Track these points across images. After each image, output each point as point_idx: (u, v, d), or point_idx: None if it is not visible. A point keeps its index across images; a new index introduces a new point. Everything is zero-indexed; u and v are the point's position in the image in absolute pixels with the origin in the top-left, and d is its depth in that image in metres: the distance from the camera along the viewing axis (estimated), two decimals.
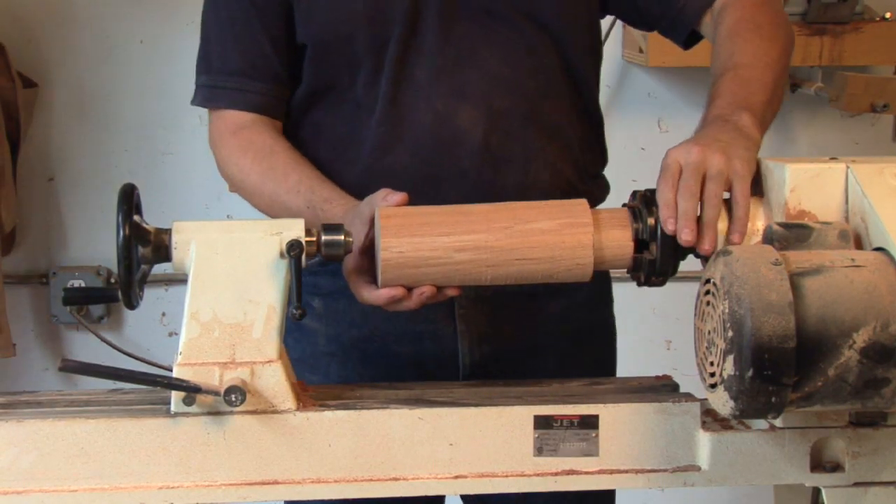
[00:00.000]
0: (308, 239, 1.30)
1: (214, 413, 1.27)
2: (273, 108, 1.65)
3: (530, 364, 1.66)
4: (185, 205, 2.84)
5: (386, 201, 1.38)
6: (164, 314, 2.94)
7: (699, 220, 1.30)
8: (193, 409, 1.26)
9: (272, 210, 1.59)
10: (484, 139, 1.58)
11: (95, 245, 2.92)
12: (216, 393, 1.24)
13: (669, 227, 1.31)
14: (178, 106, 2.85)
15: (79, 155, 2.88)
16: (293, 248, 1.27)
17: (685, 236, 1.30)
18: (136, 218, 1.29)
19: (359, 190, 1.50)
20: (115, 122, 2.87)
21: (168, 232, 1.30)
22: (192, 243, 1.29)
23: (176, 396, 1.26)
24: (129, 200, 1.29)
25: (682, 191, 1.30)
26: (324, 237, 1.32)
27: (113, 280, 2.92)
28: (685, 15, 1.64)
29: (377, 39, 1.58)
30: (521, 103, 1.60)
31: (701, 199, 1.30)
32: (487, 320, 1.65)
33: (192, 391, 1.24)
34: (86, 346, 2.94)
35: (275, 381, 1.27)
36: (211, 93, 1.65)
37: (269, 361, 1.27)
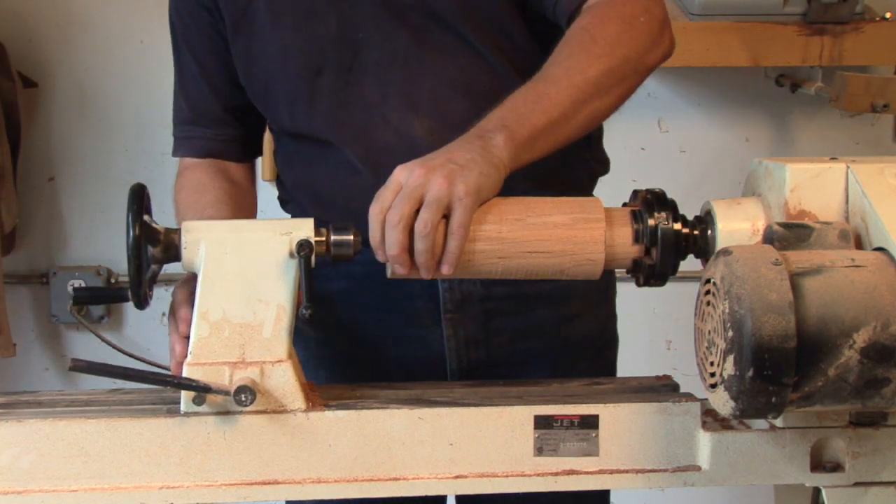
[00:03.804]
0: (318, 238, 1.29)
1: (224, 413, 1.27)
2: (219, 150, 1.69)
3: (524, 373, 1.63)
4: None
5: None
6: (164, 314, 2.94)
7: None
8: (203, 408, 1.26)
9: None
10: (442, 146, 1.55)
11: (95, 245, 2.92)
12: (226, 392, 1.24)
13: (380, 258, 1.28)
14: None
15: (79, 155, 2.88)
16: (303, 247, 1.26)
17: (398, 271, 1.27)
18: (146, 218, 1.29)
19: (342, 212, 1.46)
20: (115, 122, 2.87)
21: (178, 232, 1.30)
22: (201, 243, 1.28)
23: (186, 396, 1.26)
24: (140, 200, 1.28)
25: (389, 219, 1.25)
26: (333, 237, 1.31)
27: (113, 280, 2.93)
28: (558, 11, 1.52)
29: (314, 70, 1.56)
30: (477, 104, 1.47)
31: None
32: (477, 326, 1.64)
33: (202, 391, 1.24)
34: (86, 346, 2.94)
35: (284, 380, 1.27)
36: (174, 144, 1.72)
37: (278, 361, 1.27)
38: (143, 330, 2.97)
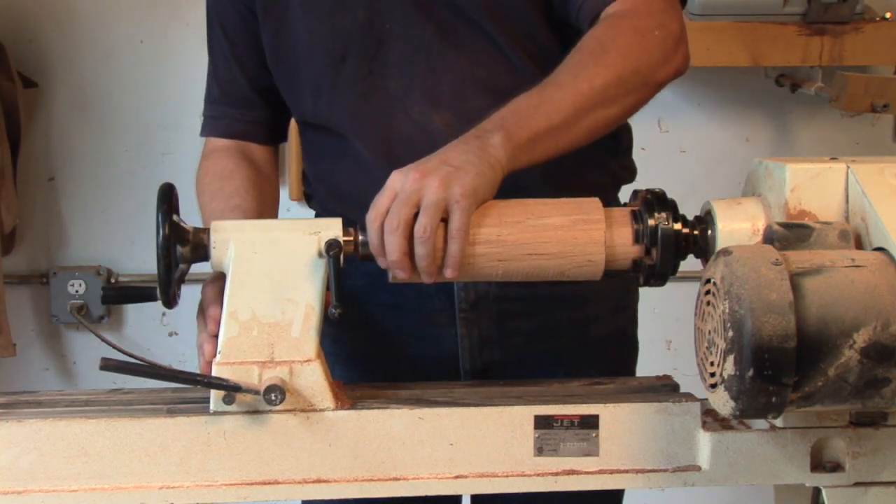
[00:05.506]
0: (346, 238, 1.29)
1: (253, 412, 1.27)
2: (244, 131, 1.69)
3: (538, 375, 1.59)
4: (185, 205, 2.84)
5: None
6: (164, 314, 2.94)
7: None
8: (233, 407, 1.26)
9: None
10: None
11: (95, 245, 2.92)
12: (256, 392, 1.24)
13: (381, 264, 1.28)
14: (178, 106, 2.86)
15: (79, 155, 2.88)
16: (332, 247, 1.26)
17: (399, 276, 1.27)
18: (175, 217, 1.29)
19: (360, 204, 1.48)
20: (115, 122, 2.87)
21: (207, 231, 1.30)
22: (230, 243, 1.28)
23: (215, 395, 1.26)
24: (169, 200, 1.29)
25: (387, 224, 1.25)
26: (361, 236, 1.30)
27: (113, 280, 2.93)
28: (581, 17, 1.53)
29: (339, 56, 1.57)
30: (497, 102, 1.47)
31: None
32: (492, 326, 1.64)
33: (232, 390, 1.24)
34: (86, 346, 2.95)
35: (313, 379, 1.27)
36: (203, 123, 1.73)
37: (307, 360, 1.27)
38: (142, 330, 2.97)
